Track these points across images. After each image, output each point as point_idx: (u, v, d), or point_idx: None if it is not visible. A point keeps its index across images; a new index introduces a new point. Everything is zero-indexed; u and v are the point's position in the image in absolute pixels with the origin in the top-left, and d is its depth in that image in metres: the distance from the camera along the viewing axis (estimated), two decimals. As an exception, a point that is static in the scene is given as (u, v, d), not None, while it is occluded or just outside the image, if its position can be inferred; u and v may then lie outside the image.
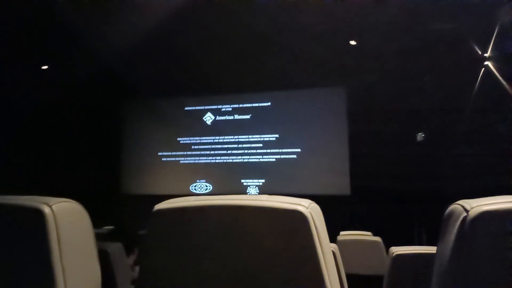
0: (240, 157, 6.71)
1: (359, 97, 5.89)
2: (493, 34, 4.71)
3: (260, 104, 6.73)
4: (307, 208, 0.66)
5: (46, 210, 0.77)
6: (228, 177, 6.67)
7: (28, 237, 0.78)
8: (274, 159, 6.56)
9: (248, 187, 6.59)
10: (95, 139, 6.80)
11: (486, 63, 5.03)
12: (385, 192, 5.34)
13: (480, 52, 5.01)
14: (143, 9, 4.42)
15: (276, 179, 6.46)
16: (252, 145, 6.67)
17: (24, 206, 0.79)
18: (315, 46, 5.11)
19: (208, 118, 6.92)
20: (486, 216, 0.59)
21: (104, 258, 1.55)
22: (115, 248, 1.75)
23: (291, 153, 6.49)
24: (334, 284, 0.66)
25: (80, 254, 0.84)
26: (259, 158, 6.63)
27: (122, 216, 5.23)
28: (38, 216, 0.77)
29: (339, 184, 6.08)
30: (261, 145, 6.63)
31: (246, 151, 6.69)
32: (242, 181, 6.62)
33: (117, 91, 6.72)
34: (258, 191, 6.50)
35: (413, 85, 5.56)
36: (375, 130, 5.75)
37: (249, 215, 0.68)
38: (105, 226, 2.85)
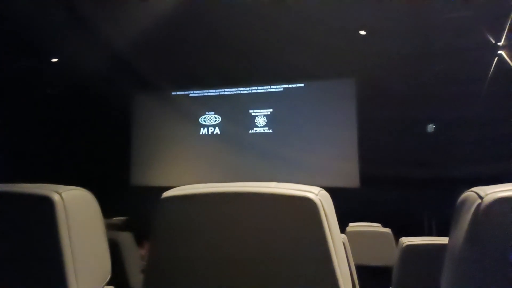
0: (247, 87, 6.75)
1: (369, 86, 5.82)
2: (507, 22, 4.60)
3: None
4: (317, 195, 0.66)
5: (56, 197, 0.77)
6: (236, 108, 6.72)
7: (37, 225, 0.78)
8: (282, 89, 6.58)
9: (256, 117, 6.64)
10: (106, 129, 6.85)
11: (499, 52, 4.92)
12: (394, 182, 5.29)
13: (493, 41, 4.90)
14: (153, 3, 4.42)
15: (283, 108, 6.50)
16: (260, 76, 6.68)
17: (34, 194, 0.79)
18: (324, 36, 5.05)
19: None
20: (502, 203, 0.57)
21: (114, 247, 1.57)
22: (125, 237, 1.76)
23: (299, 81, 6.50)
24: (344, 272, 0.66)
25: (90, 241, 0.84)
26: (266, 89, 6.66)
27: (136, 207, 5.26)
28: (48, 203, 0.77)
29: (348, 174, 6.04)
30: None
31: (253, 81, 6.74)
32: (250, 111, 6.67)
33: (127, 82, 6.73)
34: (266, 121, 6.58)
35: (424, 74, 5.47)
36: (385, 119, 5.68)
37: (258, 202, 0.67)
38: (117, 217, 2.87)
